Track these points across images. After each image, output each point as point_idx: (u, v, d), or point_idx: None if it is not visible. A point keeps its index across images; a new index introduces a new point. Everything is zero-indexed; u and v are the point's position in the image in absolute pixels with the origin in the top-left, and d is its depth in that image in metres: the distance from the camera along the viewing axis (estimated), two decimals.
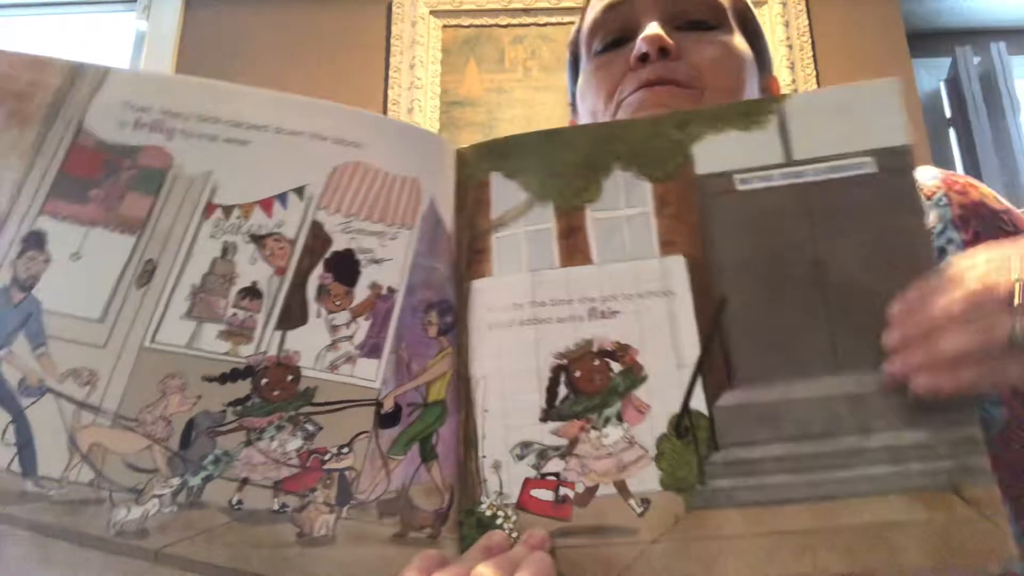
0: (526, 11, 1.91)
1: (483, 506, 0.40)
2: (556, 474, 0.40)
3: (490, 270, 0.44)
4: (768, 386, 0.40)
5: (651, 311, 0.41)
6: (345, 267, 0.41)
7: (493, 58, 1.87)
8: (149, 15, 1.95)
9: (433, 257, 0.44)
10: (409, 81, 1.84)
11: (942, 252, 0.55)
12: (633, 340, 0.41)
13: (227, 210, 0.40)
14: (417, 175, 0.44)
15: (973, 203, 0.57)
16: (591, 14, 0.69)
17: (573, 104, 0.72)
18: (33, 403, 0.36)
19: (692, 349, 0.41)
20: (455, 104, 1.83)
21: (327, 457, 0.39)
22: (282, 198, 0.41)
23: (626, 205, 0.44)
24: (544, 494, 0.40)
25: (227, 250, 0.40)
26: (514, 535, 0.39)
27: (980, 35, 2.06)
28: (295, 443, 0.39)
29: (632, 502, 0.39)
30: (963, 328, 0.36)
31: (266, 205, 0.40)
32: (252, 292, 0.40)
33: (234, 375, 0.39)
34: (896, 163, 0.41)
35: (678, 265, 0.42)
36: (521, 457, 0.41)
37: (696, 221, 0.43)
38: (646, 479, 0.39)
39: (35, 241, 0.37)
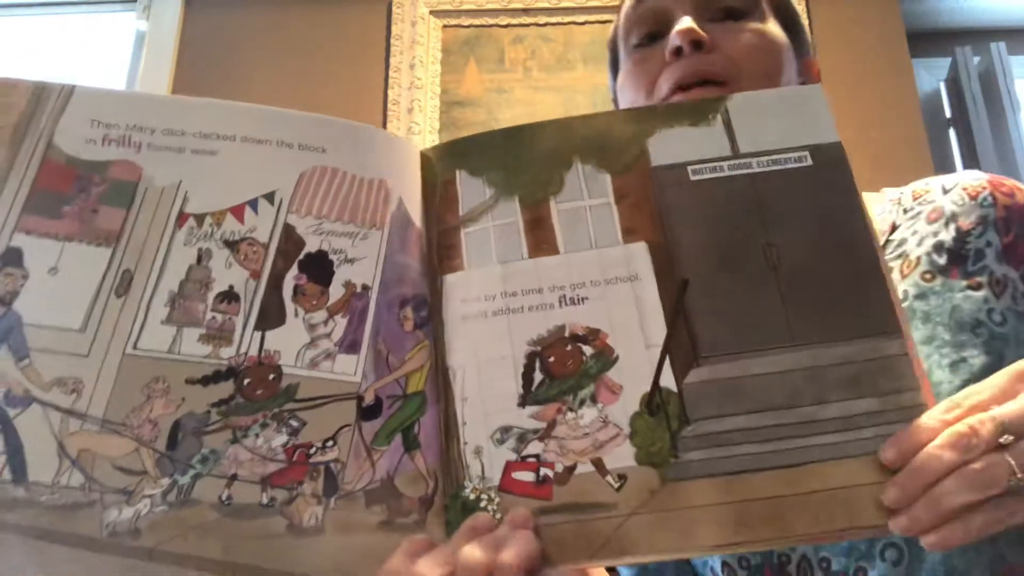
0: (526, 11, 1.91)
1: (467, 490, 0.42)
2: (536, 456, 0.42)
3: (462, 264, 0.45)
4: (732, 362, 0.42)
5: (618, 296, 0.44)
6: (319, 267, 0.43)
7: (493, 58, 1.87)
8: (149, 15, 1.95)
9: (405, 254, 0.45)
10: (409, 81, 1.84)
11: (979, 254, 0.54)
12: (603, 324, 0.43)
13: (199, 218, 0.41)
14: (384, 176, 0.46)
15: (1019, 206, 0.56)
16: (625, 9, 0.69)
17: (615, 101, 0.73)
18: (20, 413, 0.38)
19: (659, 330, 0.43)
20: (455, 104, 1.83)
21: (312, 451, 0.40)
22: (253, 204, 0.42)
23: (588, 196, 0.47)
24: (525, 475, 0.41)
25: (202, 256, 0.41)
26: (498, 516, 0.40)
27: (980, 35, 2.06)
28: (280, 439, 0.40)
29: (609, 478, 0.41)
30: (964, 479, 0.36)
31: (238, 212, 0.42)
32: (229, 296, 0.41)
33: (216, 377, 0.40)
34: (829, 157, 0.45)
35: (641, 251, 0.44)
36: (501, 441, 0.42)
37: (654, 209, 0.46)
38: (622, 456, 0.41)
39: (12, 258, 0.39)
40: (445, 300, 0.45)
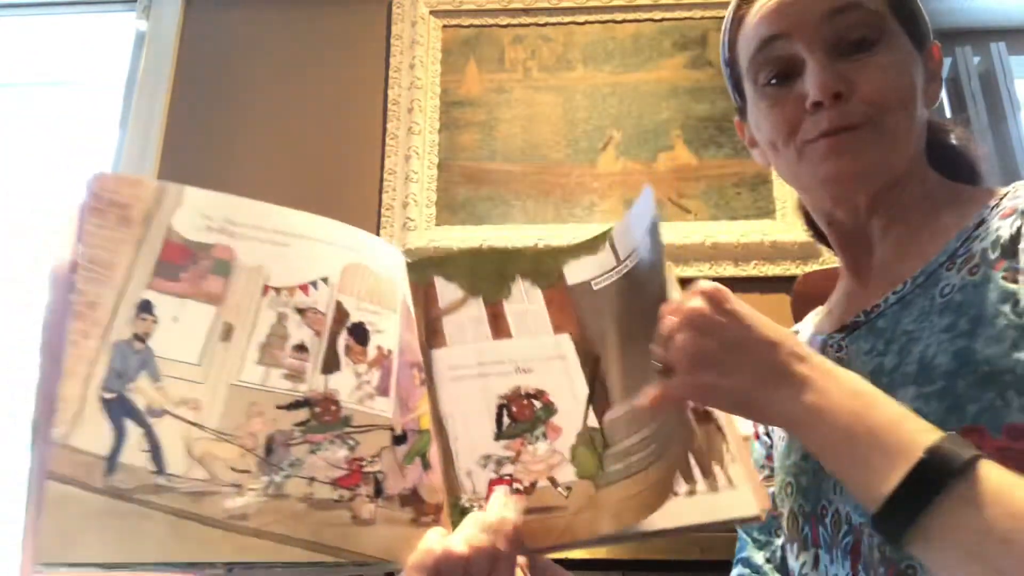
0: (526, 11, 1.90)
1: (463, 501, 0.59)
2: (510, 475, 0.60)
3: (444, 343, 0.64)
4: (627, 403, 0.60)
5: (554, 369, 0.63)
6: (360, 333, 0.59)
7: (493, 58, 1.87)
8: (149, 15, 1.95)
9: (410, 332, 0.63)
10: (409, 81, 1.84)
11: None
12: (546, 387, 0.62)
13: (278, 290, 0.56)
14: (393, 276, 0.63)
15: None
16: (747, 45, 0.69)
17: (740, 111, 0.75)
18: (158, 421, 0.50)
19: (583, 389, 0.62)
20: (455, 104, 1.83)
21: (364, 463, 0.54)
22: (314, 284, 0.58)
23: (528, 302, 0.66)
24: (503, 489, 0.59)
25: (281, 317, 0.55)
26: None
27: (980, 35, 2.06)
28: (343, 452, 0.54)
29: (560, 489, 0.59)
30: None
31: (304, 288, 0.57)
32: (301, 347, 0.56)
33: (296, 405, 0.54)
34: (647, 253, 0.62)
35: (566, 340, 0.64)
36: (484, 466, 0.60)
37: (573, 312, 0.65)
38: (567, 474, 0.59)
39: (145, 307, 0.52)
40: (435, 367, 0.63)
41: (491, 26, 1.90)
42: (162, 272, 0.53)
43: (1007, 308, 0.55)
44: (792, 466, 0.70)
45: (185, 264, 0.53)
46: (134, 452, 0.48)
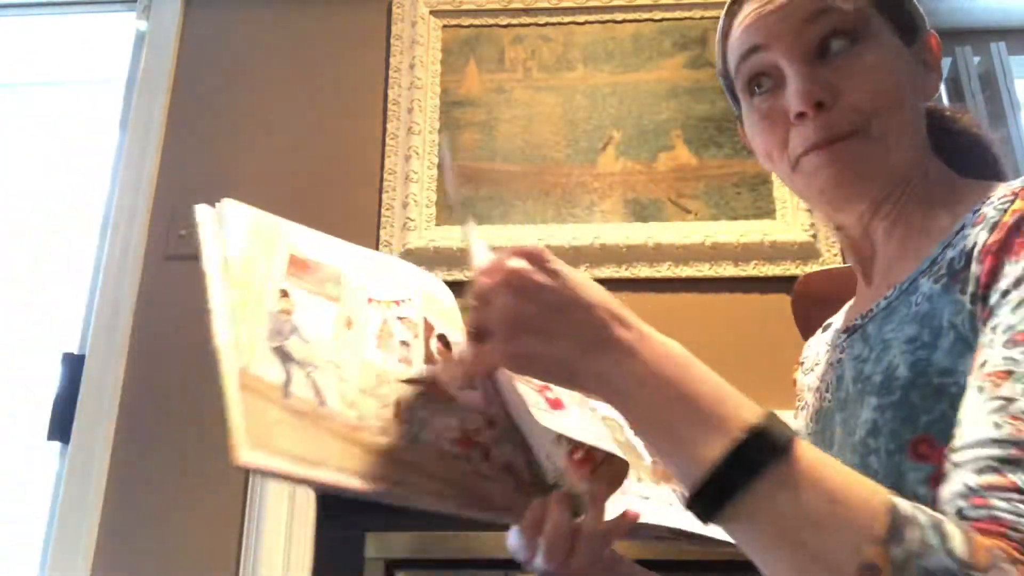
0: (526, 11, 1.90)
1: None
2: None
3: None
4: None
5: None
6: (445, 341, 0.68)
7: (493, 58, 1.87)
8: (149, 15, 1.95)
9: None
10: (409, 81, 1.84)
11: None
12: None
13: (379, 302, 0.66)
14: (453, 306, 0.73)
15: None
16: (733, 57, 0.69)
17: (739, 118, 0.75)
18: (312, 370, 0.56)
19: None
20: (455, 104, 1.83)
21: (471, 434, 0.61)
22: (405, 300, 0.68)
23: None
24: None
25: (386, 321, 0.65)
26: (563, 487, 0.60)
27: (980, 35, 2.06)
28: (455, 421, 0.61)
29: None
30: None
31: (398, 303, 0.67)
32: (404, 343, 0.64)
33: (411, 382, 0.61)
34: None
35: None
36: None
37: None
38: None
39: (284, 292, 0.59)
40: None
41: (491, 26, 1.90)
42: (293, 272, 0.62)
43: (958, 320, 0.54)
44: None
45: (307, 273, 0.63)
46: (301, 386, 0.53)
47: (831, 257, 1.67)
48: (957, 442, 0.48)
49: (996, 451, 0.44)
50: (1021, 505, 0.42)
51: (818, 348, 0.77)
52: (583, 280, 0.51)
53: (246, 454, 0.47)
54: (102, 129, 2.02)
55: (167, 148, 1.85)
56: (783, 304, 1.13)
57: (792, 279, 1.33)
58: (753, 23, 0.66)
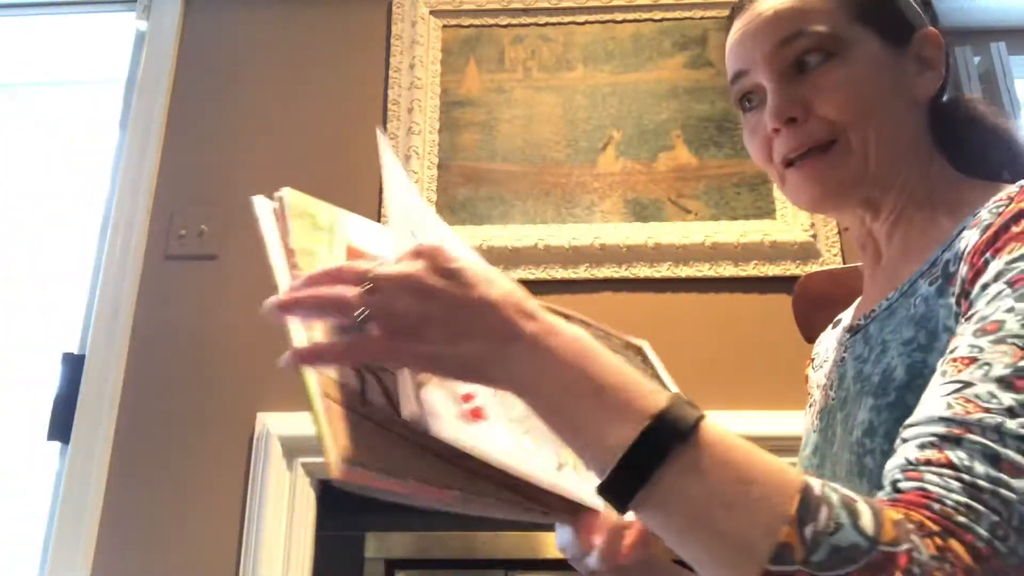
0: (526, 11, 1.90)
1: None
2: None
3: None
4: None
5: None
6: None
7: (493, 58, 1.87)
8: (149, 15, 1.95)
9: None
10: (409, 81, 1.84)
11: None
12: None
13: None
14: None
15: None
16: (728, 74, 0.72)
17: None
18: (381, 372, 0.57)
19: None
20: (455, 104, 1.83)
21: None
22: None
23: None
24: None
25: None
26: None
27: (980, 35, 2.05)
28: None
29: None
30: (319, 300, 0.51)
31: None
32: None
33: None
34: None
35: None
36: None
37: None
38: None
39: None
40: None
41: (491, 26, 1.90)
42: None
43: (951, 323, 0.55)
44: (804, 460, 0.70)
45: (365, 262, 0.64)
46: (374, 392, 0.54)
47: (831, 257, 1.67)
48: (910, 420, 0.48)
49: (940, 428, 0.45)
50: (952, 481, 0.42)
51: (828, 344, 0.78)
52: (485, 276, 0.50)
53: (344, 469, 0.46)
54: (102, 129, 2.02)
55: (167, 148, 1.85)
56: (783, 304, 1.12)
57: (792, 279, 1.33)
58: (737, 46, 0.69)
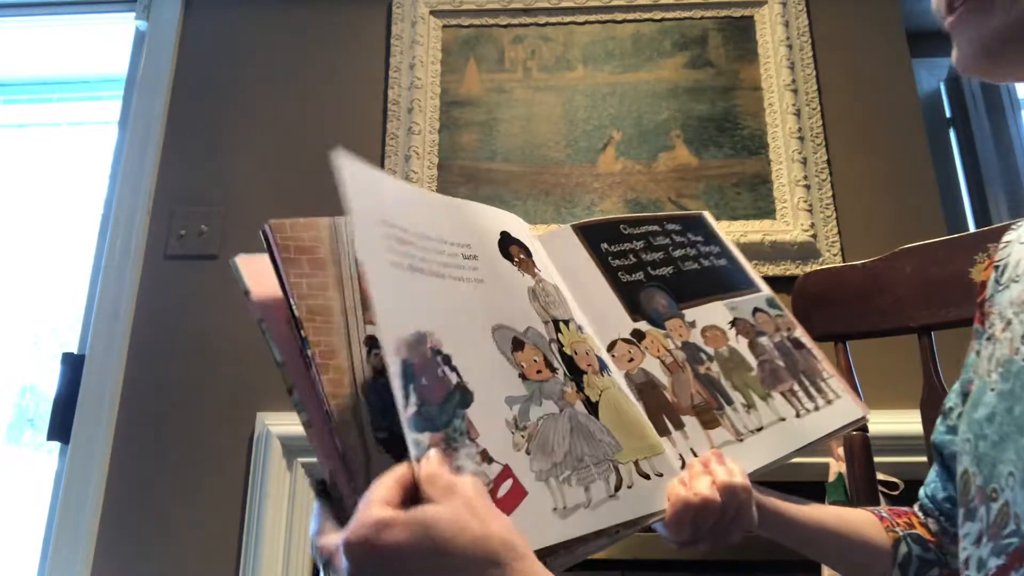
0: (526, 11, 1.90)
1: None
2: None
3: None
4: None
5: None
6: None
7: (493, 58, 1.87)
8: (149, 15, 1.95)
9: None
10: (409, 81, 1.84)
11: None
12: None
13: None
14: None
15: None
16: None
17: None
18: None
19: None
20: (455, 104, 1.83)
21: None
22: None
23: None
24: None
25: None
26: None
27: None
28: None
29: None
30: None
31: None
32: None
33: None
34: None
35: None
36: None
37: None
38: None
39: (372, 342, 0.51)
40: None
41: (491, 26, 1.90)
42: (368, 306, 0.53)
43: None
44: (975, 423, 0.60)
45: None
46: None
47: (831, 257, 1.67)
48: None
49: None
50: None
51: (1020, 257, 0.65)
52: (427, 550, 0.41)
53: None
54: (102, 129, 2.02)
55: (167, 148, 1.85)
56: (783, 304, 1.13)
57: (792, 279, 1.33)
58: None
